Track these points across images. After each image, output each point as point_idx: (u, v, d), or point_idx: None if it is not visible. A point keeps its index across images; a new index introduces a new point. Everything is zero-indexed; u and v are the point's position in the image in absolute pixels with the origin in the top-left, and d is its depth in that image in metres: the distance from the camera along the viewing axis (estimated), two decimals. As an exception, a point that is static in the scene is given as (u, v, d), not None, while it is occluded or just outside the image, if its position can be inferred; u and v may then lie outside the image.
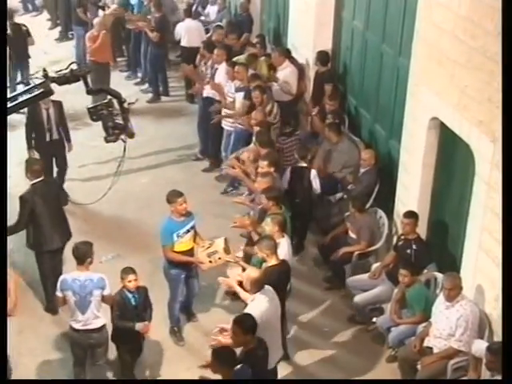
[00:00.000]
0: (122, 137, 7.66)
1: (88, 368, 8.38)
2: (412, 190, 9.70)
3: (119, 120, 7.53)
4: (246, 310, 7.53)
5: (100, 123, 7.51)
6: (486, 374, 7.34)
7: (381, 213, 10.22)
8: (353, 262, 9.95)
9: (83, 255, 8.08)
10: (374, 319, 9.34)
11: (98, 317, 8.15)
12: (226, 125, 12.72)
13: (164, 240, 8.80)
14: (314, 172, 10.75)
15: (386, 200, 10.37)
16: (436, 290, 8.72)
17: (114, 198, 11.17)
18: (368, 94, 11.88)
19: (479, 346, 7.66)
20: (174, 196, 8.82)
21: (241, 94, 12.32)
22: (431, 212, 9.62)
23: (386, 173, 10.65)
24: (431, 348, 8.19)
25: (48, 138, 11.48)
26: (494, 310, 7.94)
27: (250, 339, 7.06)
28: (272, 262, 8.13)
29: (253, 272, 7.82)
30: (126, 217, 11.76)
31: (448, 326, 8.03)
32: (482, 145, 7.95)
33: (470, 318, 7.95)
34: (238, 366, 6.84)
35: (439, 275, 8.79)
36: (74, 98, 11.06)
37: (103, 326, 8.25)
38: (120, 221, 11.48)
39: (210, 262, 8.81)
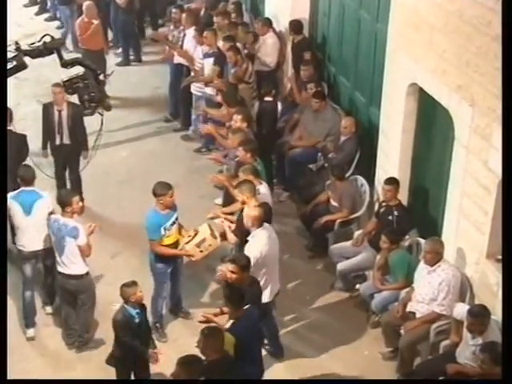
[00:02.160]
0: (99, 110, 7.63)
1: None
2: (392, 157, 9.74)
3: (95, 93, 7.48)
4: (248, 247, 8.18)
5: (74, 99, 7.54)
6: (467, 337, 7.44)
7: (362, 180, 10.26)
8: (335, 230, 10.01)
9: (63, 202, 8.39)
10: (357, 286, 9.45)
11: (75, 263, 8.37)
12: (195, 90, 12.85)
13: (151, 234, 8.41)
14: (279, 105, 11.82)
15: (367, 167, 10.42)
16: (418, 256, 8.79)
17: (95, 172, 11.22)
18: (347, 61, 11.86)
19: (461, 310, 7.75)
20: (163, 189, 8.39)
21: (210, 60, 12.45)
22: (412, 178, 9.66)
23: (367, 140, 10.69)
24: (414, 313, 8.26)
25: (58, 142, 10.73)
26: (475, 273, 8.05)
27: (246, 276, 7.65)
28: (252, 203, 8.54)
29: (252, 210, 8.31)
30: (107, 191, 11.68)
31: (430, 291, 8.10)
32: (461, 109, 7.99)
33: (451, 282, 8.03)
34: (246, 306, 7.30)
35: (421, 240, 8.86)
36: (52, 71, 10.97)
37: (83, 275, 8.50)
38: (101, 196, 11.41)
39: (201, 251, 8.53)
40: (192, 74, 13.00)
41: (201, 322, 7.59)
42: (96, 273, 9.24)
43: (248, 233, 8.37)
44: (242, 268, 7.65)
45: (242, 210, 8.68)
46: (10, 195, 8.74)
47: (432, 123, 9.13)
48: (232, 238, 8.81)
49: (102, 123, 7.71)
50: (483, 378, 6.87)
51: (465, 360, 7.42)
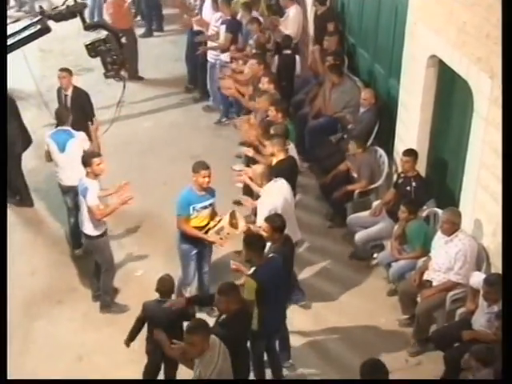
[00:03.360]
0: (122, 72, 7.63)
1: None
2: (411, 128, 9.74)
3: (117, 55, 7.47)
4: (260, 200, 8.51)
5: (98, 70, 7.55)
6: (482, 305, 7.49)
7: (381, 151, 10.28)
8: (354, 200, 10.06)
9: (84, 162, 8.57)
10: (375, 255, 9.52)
11: (86, 223, 8.59)
12: (211, 57, 13.00)
13: (180, 209, 8.28)
14: (297, 57, 12.45)
15: (386, 139, 10.43)
16: (435, 226, 8.81)
17: (117, 141, 11.33)
18: (367, 34, 11.84)
19: (477, 278, 7.79)
20: (199, 166, 8.24)
21: (223, 27, 12.64)
22: (430, 149, 9.67)
23: (386, 112, 10.68)
24: (430, 281, 8.29)
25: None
26: (492, 243, 8.06)
27: (278, 237, 7.73)
28: (281, 157, 8.95)
29: (259, 168, 8.72)
30: (130, 160, 11.77)
31: (447, 260, 8.13)
32: (481, 81, 7.96)
33: (468, 251, 8.06)
34: (270, 255, 7.53)
35: (438, 211, 8.87)
36: (76, 42, 11.06)
37: (92, 237, 8.70)
38: (124, 165, 11.49)
39: (221, 238, 8.42)
40: (209, 43, 13.09)
41: (232, 270, 7.79)
42: (119, 240, 9.39)
43: None
44: (274, 229, 7.72)
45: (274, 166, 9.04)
46: (48, 133, 9.70)
47: (451, 95, 9.11)
48: (259, 190, 8.94)
49: (124, 86, 7.71)
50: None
51: (480, 327, 7.46)
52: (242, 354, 6.87)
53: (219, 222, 8.43)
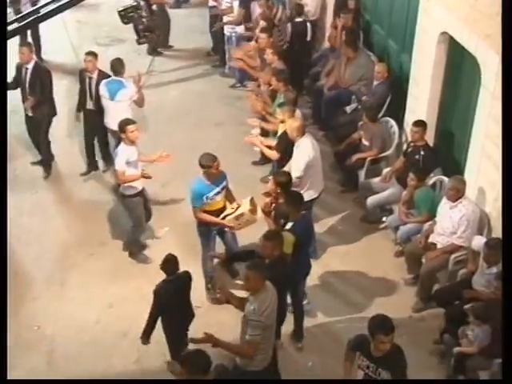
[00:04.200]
0: (151, 36, 7.55)
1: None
2: (421, 101, 9.70)
3: (149, 22, 7.38)
4: (296, 155, 8.63)
5: (130, 41, 7.47)
6: (483, 266, 7.52)
7: (392, 122, 10.23)
8: (365, 167, 10.05)
9: (119, 128, 8.73)
10: (384, 219, 9.54)
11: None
12: (227, 30, 13.07)
13: (194, 202, 8.06)
14: (308, 25, 12.56)
15: (397, 110, 10.38)
16: (441, 192, 8.82)
17: (146, 109, 11.32)
18: (381, 11, 11.72)
19: (478, 242, 7.85)
20: (208, 161, 7.93)
21: (236, 2, 12.72)
22: (438, 121, 9.63)
23: (398, 85, 10.61)
24: (435, 244, 8.32)
25: (88, 106, 10.39)
26: (494, 209, 8.07)
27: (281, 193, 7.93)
28: (290, 122, 8.94)
29: (294, 122, 8.77)
30: (159, 127, 11.74)
31: (451, 225, 8.15)
32: (489, 57, 7.89)
33: (471, 217, 8.07)
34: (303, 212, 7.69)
35: (444, 179, 8.88)
36: (110, 16, 11.08)
37: (124, 195, 8.91)
38: (153, 131, 11.53)
39: (239, 224, 8.15)
40: (224, 17, 13.10)
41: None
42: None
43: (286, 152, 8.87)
44: (281, 184, 7.93)
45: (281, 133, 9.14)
46: (103, 82, 10.00)
47: (460, 70, 9.06)
48: (272, 154, 9.17)
49: (154, 54, 7.58)
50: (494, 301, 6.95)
51: (480, 287, 7.50)
52: (282, 297, 6.98)
53: (238, 208, 8.19)
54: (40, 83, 10.15)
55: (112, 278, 8.89)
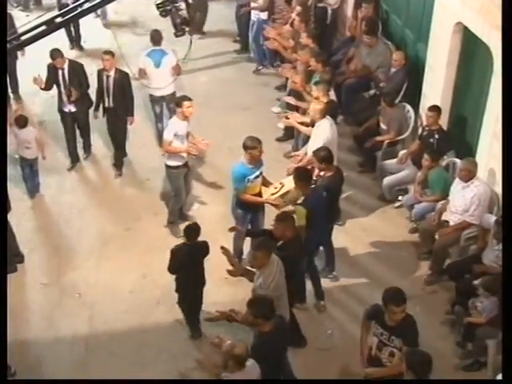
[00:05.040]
0: (188, 29, 7.50)
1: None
2: (436, 87, 9.63)
3: (185, 15, 7.27)
4: (314, 135, 8.79)
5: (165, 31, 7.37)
6: (492, 243, 7.52)
7: (408, 107, 10.16)
8: (383, 150, 10.01)
9: (176, 103, 8.86)
10: (400, 198, 9.52)
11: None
12: (254, 16, 12.95)
13: (236, 184, 8.03)
14: (329, 10, 12.69)
15: (413, 96, 10.29)
16: (454, 173, 8.78)
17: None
18: (399, 2, 11.53)
19: (489, 220, 7.86)
20: (253, 142, 7.90)
21: None
22: (452, 106, 9.56)
23: (414, 72, 10.52)
24: (448, 221, 8.31)
25: (107, 104, 10.06)
26: (504, 190, 8.07)
27: (326, 167, 8.04)
28: (324, 99, 9.17)
29: (317, 104, 8.92)
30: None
31: (463, 203, 8.13)
32: (501, 46, 7.85)
33: (482, 196, 8.05)
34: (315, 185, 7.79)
35: (457, 160, 8.84)
36: (146, 8, 11.10)
37: (167, 165, 8.95)
38: None
39: (284, 202, 8.05)
40: (251, 3, 12.96)
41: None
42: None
43: None
44: (323, 160, 8.01)
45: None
46: (143, 53, 10.31)
47: (473, 58, 8.99)
48: (308, 130, 9.19)
49: (190, 42, 7.56)
50: None
51: (489, 262, 7.51)
52: (298, 274, 7.08)
53: (282, 187, 8.19)
54: (78, 78, 10.02)
55: (146, 250, 8.96)
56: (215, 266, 8.16)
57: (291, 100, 10.23)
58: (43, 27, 6.49)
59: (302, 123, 9.55)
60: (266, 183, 8.30)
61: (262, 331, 6.01)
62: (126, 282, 8.57)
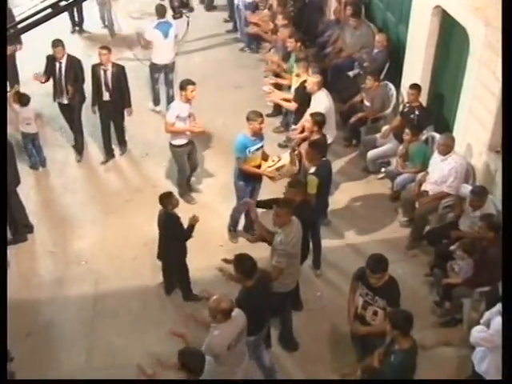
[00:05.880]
0: (185, 11, 7.47)
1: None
2: (416, 67, 9.67)
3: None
4: (313, 106, 8.86)
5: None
6: (468, 210, 7.62)
7: (390, 85, 10.18)
8: (367, 125, 10.07)
9: (180, 87, 8.71)
10: (383, 169, 9.60)
11: None
12: (237, 0, 13.09)
13: (238, 153, 8.02)
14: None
15: (395, 75, 10.32)
16: (433, 147, 8.84)
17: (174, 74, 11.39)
18: (381, -14, 11.64)
19: (465, 189, 7.97)
20: (255, 115, 7.94)
21: None
22: (431, 84, 9.60)
23: (395, 53, 10.52)
24: (427, 191, 8.38)
25: (105, 98, 9.74)
26: (478, 162, 8.16)
27: (316, 130, 8.36)
28: (304, 77, 9.38)
29: (314, 77, 9.10)
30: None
31: (441, 175, 8.19)
32: (477, 28, 7.89)
33: (459, 169, 8.11)
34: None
35: (436, 135, 8.90)
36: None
37: (171, 144, 8.92)
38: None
39: (280, 175, 8.12)
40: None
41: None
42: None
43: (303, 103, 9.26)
44: (317, 123, 8.31)
45: (299, 85, 9.54)
46: (152, 26, 10.55)
47: (451, 40, 9.03)
48: (291, 105, 9.51)
49: (188, 24, 7.49)
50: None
51: (465, 228, 7.60)
52: (306, 235, 7.21)
53: (278, 161, 8.20)
54: (75, 73, 9.73)
55: (146, 220, 8.82)
56: (212, 234, 8.32)
57: (271, 79, 10.40)
58: (48, 10, 6.43)
59: (284, 99, 9.80)
60: (264, 157, 8.31)
61: (245, 286, 6.13)
62: (128, 249, 8.60)
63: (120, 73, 9.66)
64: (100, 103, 9.85)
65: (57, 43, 9.54)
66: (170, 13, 9.50)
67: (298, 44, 10.42)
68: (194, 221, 7.34)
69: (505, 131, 6.18)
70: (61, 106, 10.08)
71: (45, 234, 8.93)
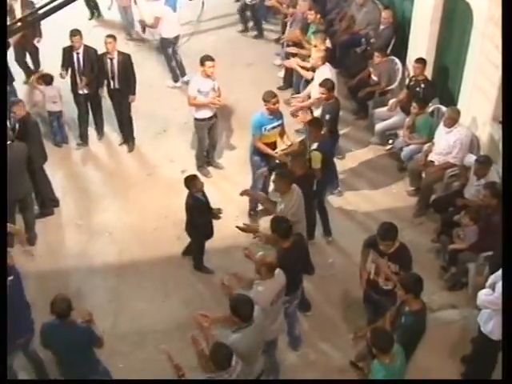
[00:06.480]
0: None
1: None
2: (421, 42, 9.62)
3: None
4: (316, 79, 8.84)
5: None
6: (473, 179, 7.64)
7: (396, 60, 10.14)
8: (374, 99, 10.05)
9: (200, 62, 8.73)
10: (391, 141, 9.57)
11: None
12: None
13: (254, 130, 8.07)
14: None
15: (401, 50, 10.28)
16: (438, 119, 8.83)
17: (189, 52, 11.37)
18: (387, -35, 11.50)
19: (469, 159, 7.97)
20: (268, 96, 7.93)
21: None
22: (436, 58, 9.56)
23: (401, 29, 10.48)
24: (433, 161, 8.40)
25: (112, 86, 9.55)
26: (482, 133, 8.16)
27: (328, 94, 8.36)
28: (322, 47, 9.29)
29: (318, 52, 9.11)
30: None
31: (447, 146, 8.22)
32: (480, 2, 7.87)
33: (463, 140, 8.14)
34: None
35: (441, 107, 8.90)
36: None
37: (194, 118, 8.96)
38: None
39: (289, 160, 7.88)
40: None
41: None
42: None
43: None
44: (329, 89, 8.31)
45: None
46: (159, 3, 10.69)
47: (455, 14, 8.97)
48: (308, 74, 9.45)
49: (203, 4, 7.45)
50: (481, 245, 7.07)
51: (470, 196, 7.63)
52: (311, 205, 7.26)
53: (290, 146, 8.20)
54: (91, 63, 9.51)
55: (165, 193, 9.03)
56: (229, 204, 8.38)
57: (293, 49, 10.23)
58: None
59: (302, 67, 9.74)
60: (282, 135, 8.29)
61: (282, 247, 6.18)
62: (149, 221, 8.68)
63: (126, 61, 9.48)
64: (108, 91, 9.72)
65: (75, 32, 9.40)
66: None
67: (318, 16, 10.47)
68: (216, 215, 7.43)
69: (505, 101, 6.15)
70: (78, 96, 9.79)
71: (70, 208, 9.02)
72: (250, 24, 13.00)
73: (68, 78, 9.68)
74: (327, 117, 8.30)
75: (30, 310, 6.48)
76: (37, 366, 6.59)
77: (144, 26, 11.56)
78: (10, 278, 6.05)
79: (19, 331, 6.18)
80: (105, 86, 9.70)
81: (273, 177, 6.96)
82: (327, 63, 9.08)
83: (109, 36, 9.47)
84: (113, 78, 9.50)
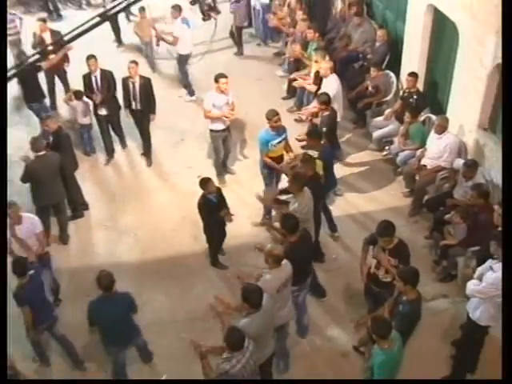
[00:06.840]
0: (213, 14, 7.47)
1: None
2: (413, 57, 9.66)
3: (210, 1, 7.21)
4: (324, 87, 9.11)
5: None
6: (461, 181, 7.67)
7: (391, 74, 10.16)
8: (372, 109, 10.11)
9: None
10: (387, 147, 9.58)
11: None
12: (253, 1, 13.05)
13: (261, 146, 8.05)
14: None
15: (395, 65, 10.30)
16: (430, 127, 8.84)
17: (203, 69, 11.43)
18: (380, -12, 11.56)
19: (458, 163, 8.01)
20: (271, 115, 7.91)
21: None
22: (427, 72, 9.58)
23: (394, 46, 10.47)
24: (425, 165, 8.42)
25: (134, 107, 9.55)
26: (469, 139, 8.19)
27: (324, 107, 8.55)
28: (323, 64, 9.45)
29: (326, 63, 9.36)
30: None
31: (438, 151, 8.23)
32: (465, 23, 7.90)
33: (453, 145, 8.16)
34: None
35: (432, 116, 8.93)
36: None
37: (210, 129, 9.04)
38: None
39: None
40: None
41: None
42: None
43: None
44: (325, 103, 8.49)
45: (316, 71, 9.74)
46: (177, 23, 10.93)
47: (443, 34, 9.00)
48: (312, 87, 9.75)
49: (215, 25, 7.47)
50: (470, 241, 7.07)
51: (459, 196, 7.64)
52: (318, 206, 7.34)
53: (295, 158, 8.05)
54: (108, 84, 9.47)
55: (183, 196, 9.06)
56: (242, 207, 8.44)
57: (298, 79, 10.44)
58: (96, 19, 6.29)
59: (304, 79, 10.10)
60: (287, 149, 8.25)
61: (290, 241, 6.28)
62: (169, 222, 8.73)
63: (147, 84, 9.46)
64: (130, 111, 9.71)
65: (90, 57, 9.40)
66: (199, 16, 9.44)
67: (317, 34, 10.68)
68: (224, 218, 7.50)
69: (505, 101, 5.96)
70: (99, 118, 9.77)
71: (99, 211, 9.11)
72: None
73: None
74: (324, 129, 8.39)
75: (50, 301, 6.69)
76: (65, 346, 6.82)
77: (159, 40, 11.77)
78: (31, 272, 6.26)
79: (40, 318, 6.42)
80: (127, 106, 9.67)
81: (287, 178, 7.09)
82: (334, 74, 9.28)
83: (132, 62, 9.47)
84: (134, 100, 9.49)
